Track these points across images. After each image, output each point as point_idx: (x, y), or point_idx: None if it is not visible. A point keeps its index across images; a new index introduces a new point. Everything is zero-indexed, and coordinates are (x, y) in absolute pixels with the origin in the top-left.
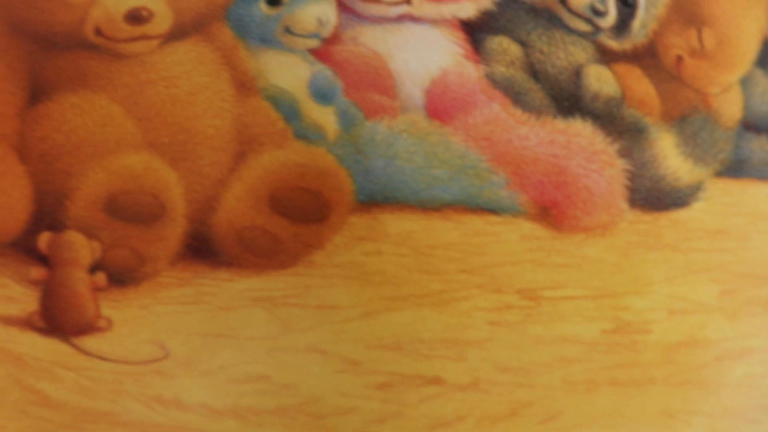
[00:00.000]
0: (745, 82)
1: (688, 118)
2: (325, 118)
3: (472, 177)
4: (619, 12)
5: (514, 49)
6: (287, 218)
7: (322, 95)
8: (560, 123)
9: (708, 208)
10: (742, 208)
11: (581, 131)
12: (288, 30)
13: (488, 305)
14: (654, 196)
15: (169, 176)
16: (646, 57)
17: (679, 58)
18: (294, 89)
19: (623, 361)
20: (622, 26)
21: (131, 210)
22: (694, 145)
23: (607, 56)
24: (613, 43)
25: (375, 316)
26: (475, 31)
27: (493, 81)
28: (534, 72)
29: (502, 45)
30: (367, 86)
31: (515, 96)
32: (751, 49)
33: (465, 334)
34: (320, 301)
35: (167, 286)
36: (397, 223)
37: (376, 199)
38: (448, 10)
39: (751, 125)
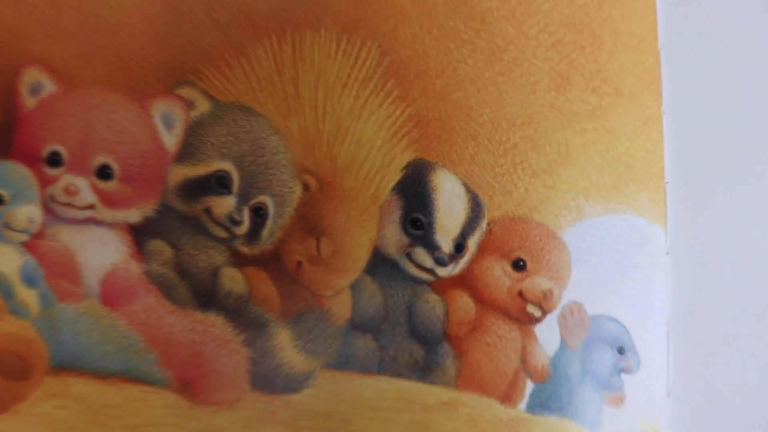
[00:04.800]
0: (355, 287)
1: (304, 316)
2: (31, 298)
3: (132, 354)
4: (252, 222)
5: (167, 251)
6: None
7: (29, 280)
8: (199, 315)
9: (316, 394)
10: (346, 396)
11: (215, 322)
12: (7, 225)
13: None
14: (271, 381)
15: None
16: (272, 261)
17: (299, 264)
18: (10, 273)
19: None
20: (253, 235)
21: None
22: (307, 340)
23: (239, 260)
24: (245, 249)
25: None
26: (140, 233)
27: (151, 277)
28: (182, 271)
29: (159, 247)
30: (61, 275)
31: (166, 290)
32: (361, 258)
33: None
34: None
35: None
36: (78, 386)
37: (64, 365)
38: (121, 216)
39: (357, 325)
